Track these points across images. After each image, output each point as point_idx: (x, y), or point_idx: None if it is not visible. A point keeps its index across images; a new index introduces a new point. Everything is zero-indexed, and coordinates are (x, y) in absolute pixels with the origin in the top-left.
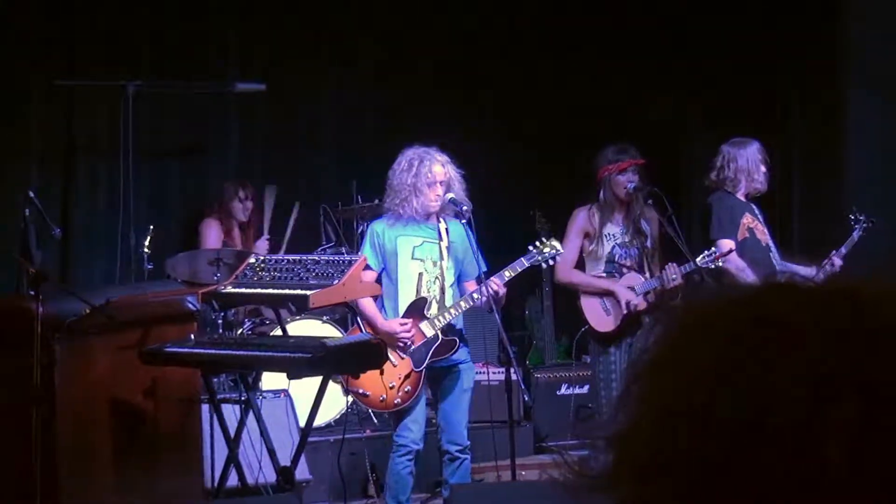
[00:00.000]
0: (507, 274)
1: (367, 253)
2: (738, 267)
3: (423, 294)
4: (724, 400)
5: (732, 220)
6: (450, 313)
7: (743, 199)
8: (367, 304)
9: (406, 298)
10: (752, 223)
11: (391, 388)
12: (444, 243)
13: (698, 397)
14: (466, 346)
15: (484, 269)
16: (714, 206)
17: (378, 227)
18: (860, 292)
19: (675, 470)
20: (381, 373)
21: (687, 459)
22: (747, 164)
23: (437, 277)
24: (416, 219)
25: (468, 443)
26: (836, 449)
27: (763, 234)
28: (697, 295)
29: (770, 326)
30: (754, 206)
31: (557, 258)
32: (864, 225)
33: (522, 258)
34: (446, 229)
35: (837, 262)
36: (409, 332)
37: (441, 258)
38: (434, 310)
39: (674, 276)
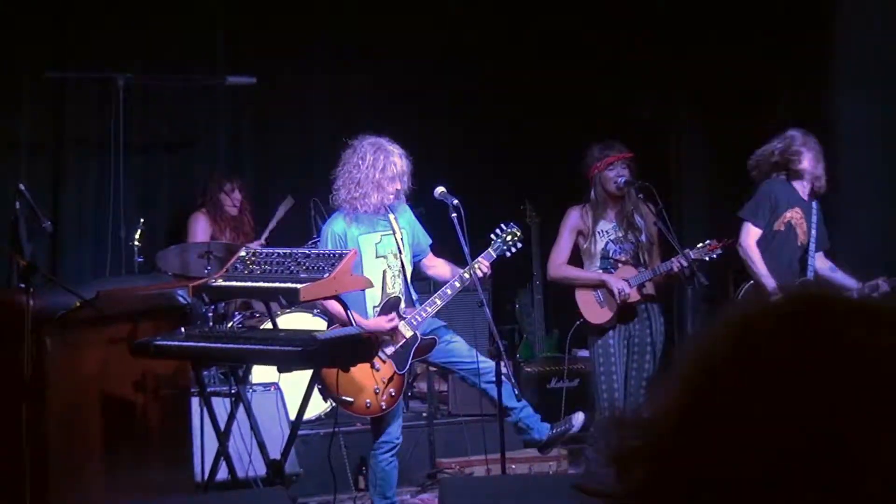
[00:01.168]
0: (477, 268)
1: None
2: (751, 259)
3: (389, 290)
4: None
5: (773, 208)
6: (426, 311)
7: (803, 195)
8: (340, 309)
9: (373, 298)
10: (798, 220)
11: (376, 392)
12: (399, 235)
13: (724, 399)
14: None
15: (429, 241)
16: (760, 188)
17: (338, 228)
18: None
19: (687, 466)
20: (371, 368)
21: (703, 459)
22: (813, 165)
23: (399, 271)
24: (369, 213)
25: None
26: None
27: (804, 234)
28: (738, 302)
29: (796, 336)
30: (814, 206)
31: (520, 244)
32: None
33: (490, 249)
34: (395, 219)
35: (884, 286)
36: (394, 323)
37: (399, 251)
38: (403, 305)
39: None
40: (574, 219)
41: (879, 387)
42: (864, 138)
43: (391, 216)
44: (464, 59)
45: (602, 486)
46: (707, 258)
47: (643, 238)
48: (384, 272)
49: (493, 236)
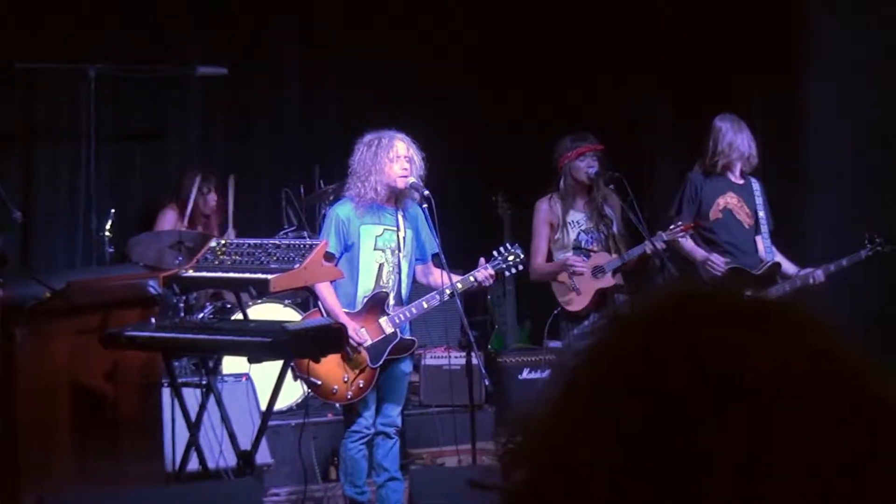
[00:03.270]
0: (472, 279)
1: (330, 239)
2: (688, 247)
3: (382, 284)
4: (613, 410)
5: (700, 201)
6: (410, 311)
7: (735, 178)
8: (329, 296)
9: (365, 289)
10: (736, 203)
11: (345, 381)
12: (402, 233)
13: (592, 403)
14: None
15: (436, 250)
16: (687, 182)
17: (342, 214)
18: (759, 307)
19: (562, 468)
20: (343, 360)
21: (575, 461)
22: (734, 142)
23: (395, 267)
24: (377, 203)
25: (401, 424)
26: (723, 458)
27: (747, 217)
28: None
29: (664, 338)
30: (754, 183)
31: (521, 266)
32: (878, 248)
33: (488, 264)
34: (404, 216)
35: (820, 274)
36: (360, 339)
37: (399, 249)
38: (391, 301)
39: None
40: (544, 211)
41: (731, 384)
42: (833, 128)
43: (400, 213)
44: (436, 51)
45: (498, 482)
46: (680, 238)
47: (614, 228)
48: (381, 265)
49: (495, 253)
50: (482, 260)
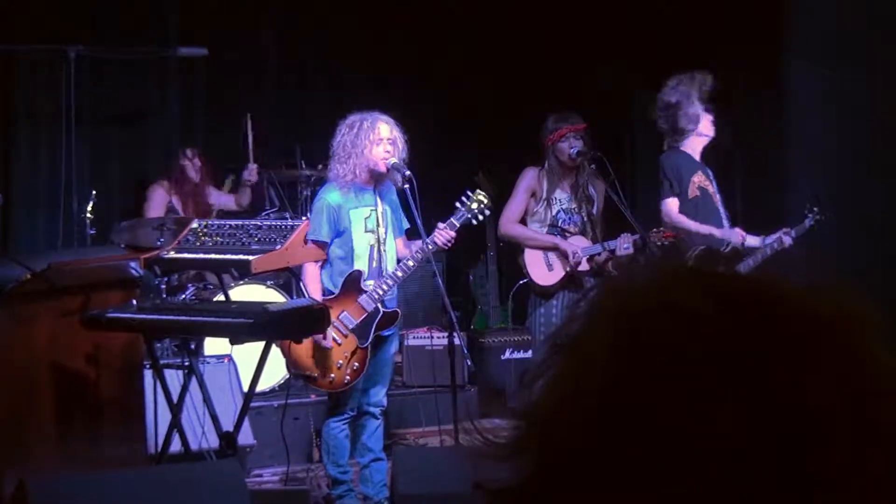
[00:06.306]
0: (429, 246)
1: (322, 227)
2: (688, 227)
3: (374, 264)
4: (620, 386)
5: (679, 178)
6: (387, 283)
7: (696, 156)
8: (313, 282)
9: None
10: (705, 182)
11: (339, 367)
12: (380, 210)
13: (595, 381)
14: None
15: (406, 226)
16: (662, 166)
17: (333, 200)
18: (767, 285)
19: (571, 449)
20: (328, 352)
21: (581, 441)
22: (690, 107)
23: (382, 244)
24: (358, 184)
25: (385, 405)
26: (731, 440)
27: (715, 196)
28: (620, 274)
29: (671, 313)
30: (707, 169)
31: (488, 211)
32: (818, 217)
33: (452, 219)
34: (380, 195)
35: (787, 240)
36: (326, 345)
37: (384, 226)
38: (371, 281)
39: (626, 245)
40: (530, 178)
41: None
42: (816, 107)
43: (377, 192)
44: (419, 28)
45: (499, 481)
46: (659, 243)
47: (594, 211)
48: (372, 246)
49: (457, 204)
50: (440, 224)
